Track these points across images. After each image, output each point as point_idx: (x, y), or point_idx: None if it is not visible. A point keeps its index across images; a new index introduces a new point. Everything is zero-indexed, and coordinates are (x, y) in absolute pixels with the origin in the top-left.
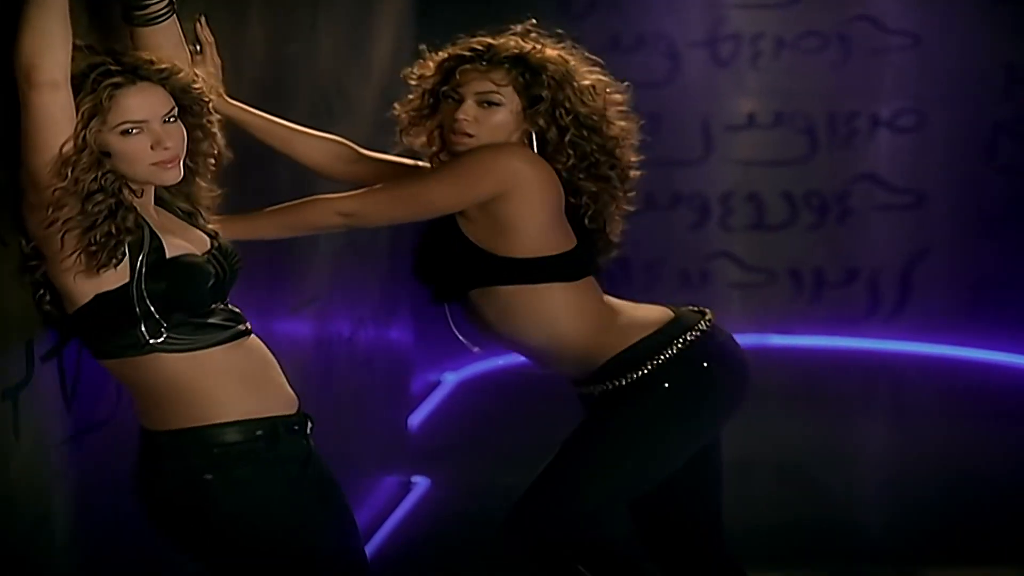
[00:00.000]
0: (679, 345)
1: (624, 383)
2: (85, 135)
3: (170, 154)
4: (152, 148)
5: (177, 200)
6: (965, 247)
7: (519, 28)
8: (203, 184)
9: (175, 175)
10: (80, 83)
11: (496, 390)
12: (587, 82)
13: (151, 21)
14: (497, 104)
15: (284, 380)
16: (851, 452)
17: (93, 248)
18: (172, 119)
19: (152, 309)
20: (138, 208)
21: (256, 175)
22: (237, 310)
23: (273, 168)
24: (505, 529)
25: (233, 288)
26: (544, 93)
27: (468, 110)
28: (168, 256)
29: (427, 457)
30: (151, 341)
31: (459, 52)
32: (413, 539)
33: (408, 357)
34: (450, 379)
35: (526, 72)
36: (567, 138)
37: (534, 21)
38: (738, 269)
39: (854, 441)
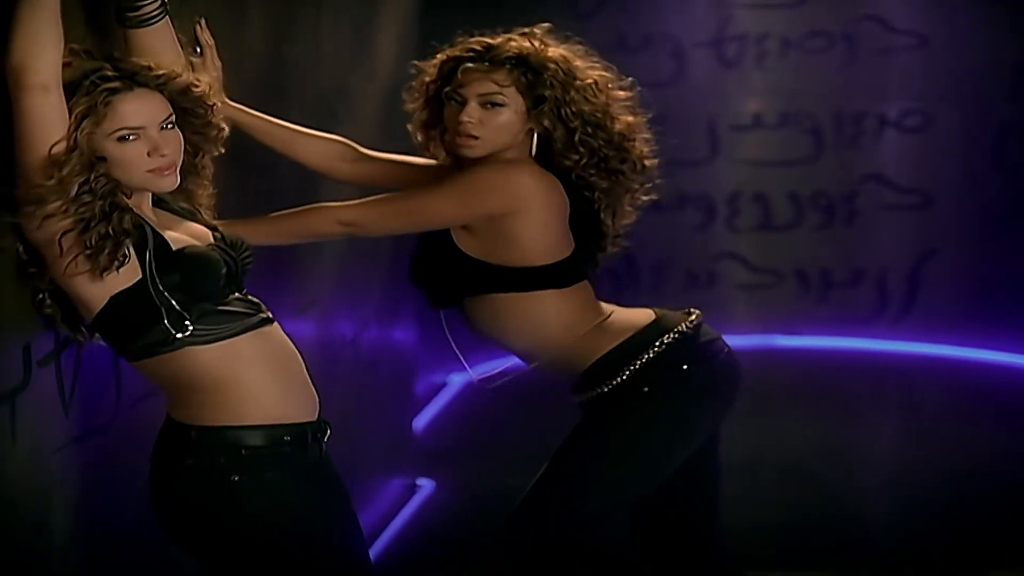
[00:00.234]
0: (656, 348)
1: (606, 389)
2: (76, 137)
3: (166, 161)
4: (148, 155)
5: (177, 199)
6: (972, 247)
7: (527, 30)
8: (203, 183)
9: (171, 182)
10: (77, 88)
11: (503, 391)
12: (590, 79)
13: (144, 22)
14: (501, 105)
15: (307, 376)
16: (858, 453)
17: (89, 251)
18: (169, 125)
19: (173, 302)
20: (135, 209)
21: (258, 179)
22: (256, 300)
23: (275, 172)
24: (504, 540)
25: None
26: (547, 93)
27: (472, 112)
28: (174, 249)
29: (432, 459)
30: (178, 335)
31: (459, 53)
32: (418, 542)
33: (412, 358)
34: (456, 380)
35: (528, 72)
36: (575, 137)
37: (545, 25)
38: (744, 270)
39: (861, 442)
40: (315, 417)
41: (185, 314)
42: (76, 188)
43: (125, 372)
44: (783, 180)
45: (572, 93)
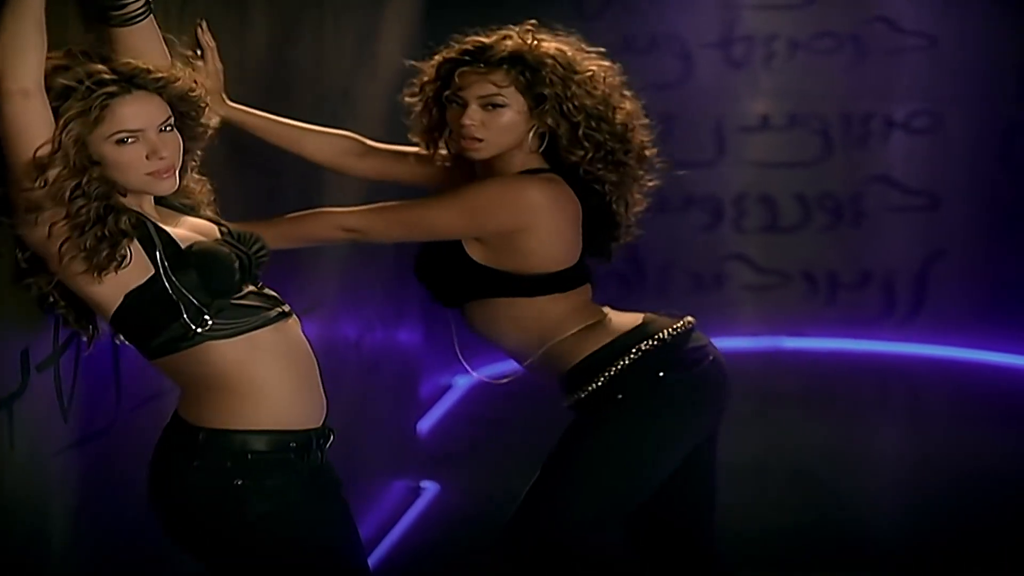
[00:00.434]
0: (633, 355)
1: (583, 395)
2: (61, 139)
3: (165, 164)
4: (147, 158)
5: (176, 196)
6: (980, 249)
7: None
8: (198, 179)
9: (170, 185)
10: (73, 91)
11: (509, 393)
12: (588, 72)
13: (128, 21)
14: (501, 105)
15: (319, 379)
16: (865, 456)
17: (86, 254)
18: (168, 128)
19: (191, 297)
20: (137, 208)
21: (260, 181)
22: (274, 293)
23: (278, 174)
24: (501, 546)
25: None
26: (548, 91)
27: (473, 115)
28: (183, 246)
29: (436, 462)
30: (198, 330)
31: (454, 55)
32: (422, 544)
33: (417, 360)
34: (462, 382)
35: (526, 71)
36: (580, 132)
37: (532, 21)
38: (751, 271)
39: (868, 445)
40: (320, 423)
41: (203, 308)
42: (69, 192)
43: (125, 376)
44: (790, 181)
45: (573, 88)
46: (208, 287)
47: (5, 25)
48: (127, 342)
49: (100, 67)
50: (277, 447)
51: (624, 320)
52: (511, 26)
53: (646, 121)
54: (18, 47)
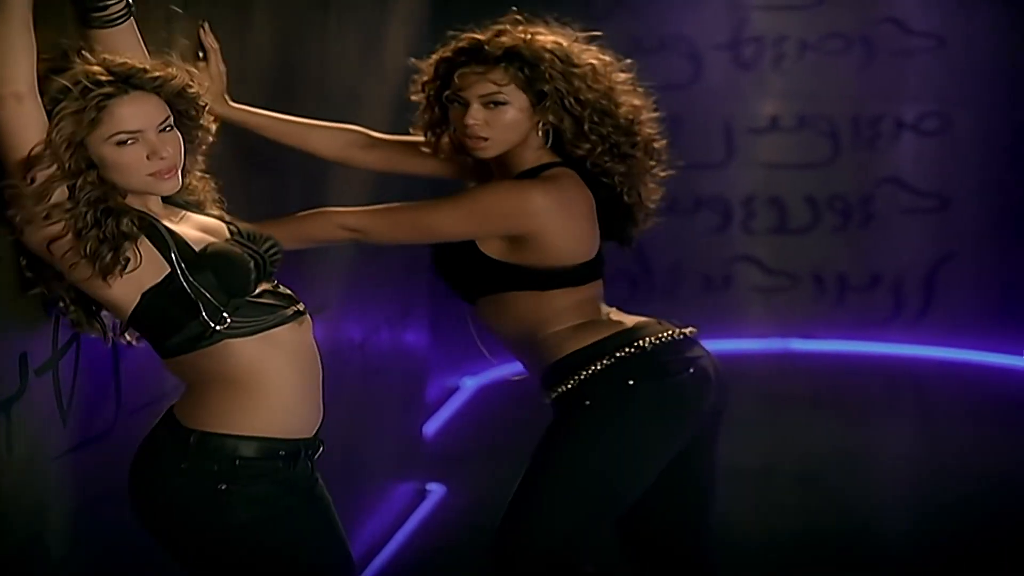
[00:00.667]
0: (606, 361)
1: (555, 395)
2: (52, 138)
3: (167, 164)
4: (148, 158)
5: (181, 195)
6: (989, 251)
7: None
8: (202, 177)
9: (173, 185)
10: (68, 92)
11: (516, 396)
12: (588, 66)
13: (109, 23)
14: (503, 103)
15: (320, 390)
16: (874, 458)
17: (88, 258)
18: (168, 128)
19: (208, 296)
20: (143, 208)
21: (262, 182)
22: (289, 291)
23: (281, 173)
24: (494, 552)
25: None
26: (548, 87)
27: (476, 114)
28: (194, 247)
29: (442, 464)
30: (217, 328)
31: (450, 54)
32: (428, 547)
33: (423, 362)
34: (469, 384)
35: (524, 67)
36: (584, 126)
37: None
38: (760, 273)
39: (877, 447)
40: (312, 434)
41: (222, 308)
42: (62, 195)
43: (125, 380)
44: (799, 183)
45: (574, 83)
46: (224, 287)
47: None
48: (139, 343)
49: (96, 68)
50: (266, 454)
51: (619, 322)
52: (503, 20)
53: (655, 115)
54: (7, 52)
